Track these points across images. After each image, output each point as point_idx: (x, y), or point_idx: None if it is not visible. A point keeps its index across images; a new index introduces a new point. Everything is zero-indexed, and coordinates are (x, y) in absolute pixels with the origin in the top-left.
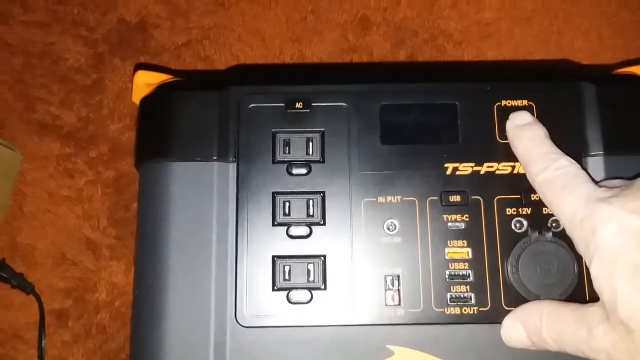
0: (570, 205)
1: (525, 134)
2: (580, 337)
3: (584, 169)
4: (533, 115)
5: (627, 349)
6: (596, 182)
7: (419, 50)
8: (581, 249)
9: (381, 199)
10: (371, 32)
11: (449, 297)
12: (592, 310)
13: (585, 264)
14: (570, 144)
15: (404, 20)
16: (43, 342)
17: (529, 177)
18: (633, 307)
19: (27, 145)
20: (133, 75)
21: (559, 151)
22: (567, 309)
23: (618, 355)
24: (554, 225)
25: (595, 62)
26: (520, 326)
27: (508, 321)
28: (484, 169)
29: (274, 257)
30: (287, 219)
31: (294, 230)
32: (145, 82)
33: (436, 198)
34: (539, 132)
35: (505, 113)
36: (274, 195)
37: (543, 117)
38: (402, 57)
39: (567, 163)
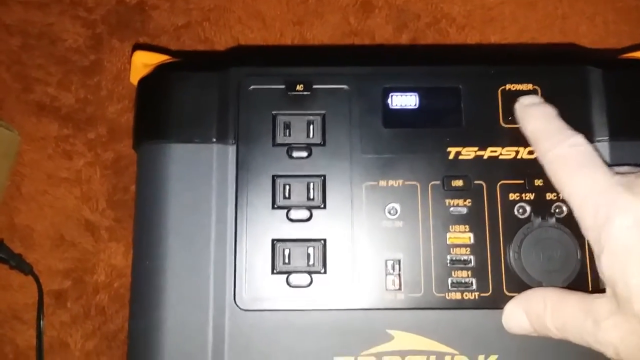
0: (584, 187)
1: (536, 111)
2: (586, 328)
3: None
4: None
5: (638, 342)
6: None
7: (421, 34)
8: (590, 235)
9: (382, 183)
10: (373, 14)
11: (449, 281)
12: (600, 302)
13: (589, 250)
14: (576, 128)
15: (406, 3)
16: (41, 322)
17: (538, 155)
18: None
19: (24, 125)
20: (131, 55)
21: (572, 129)
22: (572, 298)
23: (626, 348)
24: (557, 210)
25: (600, 47)
26: (523, 313)
27: (510, 307)
28: (487, 153)
29: (273, 240)
30: (287, 202)
31: (294, 214)
32: (143, 63)
33: (438, 182)
34: (551, 110)
35: (510, 97)
36: (274, 178)
37: (548, 102)
38: (404, 41)
39: (583, 141)
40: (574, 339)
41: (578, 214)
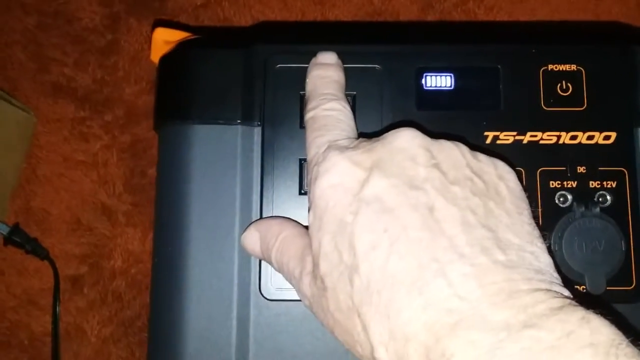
0: (315, 147)
1: (319, 72)
2: (295, 276)
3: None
4: (582, 81)
5: (321, 305)
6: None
7: (447, 15)
8: (308, 194)
9: None
10: None
11: None
12: (311, 255)
13: (634, 242)
14: (620, 112)
15: None
16: (57, 308)
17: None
18: (330, 264)
19: (40, 107)
20: (151, 32)
21: (342, 96)
22: (298, 242)
23: (315, 308)
24: (600, 199)
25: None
26: (258, 238)
27: (251, 228)
28: (527, 138)
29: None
30: None
31: None
32: (165, 40)
33: None
34: (333, 75)
35: (552, 78)
36: (301, 162)
37: (592, 84)
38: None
39: (338, 106)
40: (287, 280)
41: (307, 169)
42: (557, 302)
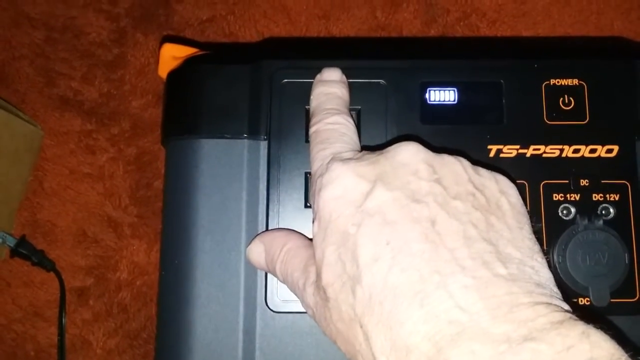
0: (319, 159)
1: (323, 88)
2: (299, 286)
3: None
4: (584, 95)
5: (324, 315)
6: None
7: (450, 29)
8: (312, 202)
9: None
10: (401, 9)
11: None
12: (314, 265)
13: (637, 254)
14: (622, 126)
15: None
16: (63, 320)
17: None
18: (334, 274)
19: (47, 120)
20: (159, 48)
21: (346, 111)
22: (303, 254)
23: (318, 318)
24: (603, 212)
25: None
26: (263, 250)
27: (256, 240)
28: (530, 151)
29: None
30: None
31: None
32: (172, 55)
33: None
34: (337, 91)
35: (554, 92)
36: (307, 175)
37: (594, 98)
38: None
39: (342, 120)
40: (291, 291)
41: (310, 183)
42: (558, 316)
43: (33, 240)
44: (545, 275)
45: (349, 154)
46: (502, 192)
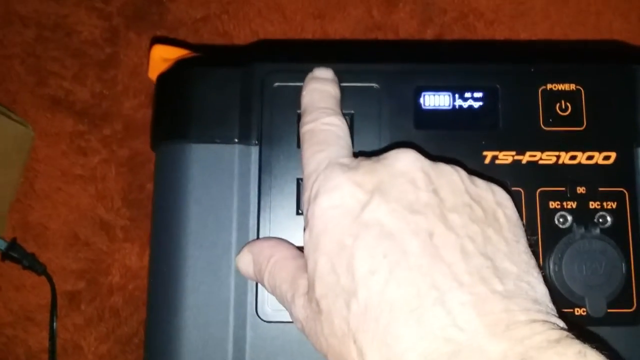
0: (314, 162)
1: (317, 85)
2: (287, 299)
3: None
4: (581, 101)
5: (314, 328)
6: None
7: (447, 29)
8: (304, 209)
9: None
10: (397, 8)
11: None
12: (304, 278)
13: (635, 263)
14: (621, 132)
15: None
16: (54, 324)
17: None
18: (327, 286)
19: (38, 121)
20: (149, 49)
21: (340, 112)
22: (291, 265)
23: (308, 331)
24: (600, 220)
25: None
26: (251, 261)
27: (244, 250)
28: (526, 157)
29: (297, 247)
30: None
31: None
32: (163, 57)
33: None
34: (330, 90)
35: (551, 98)
36: (299, 181)
37: (591, 103)
38: (429, 36)
39: (338, 122)
40: (280, 303)
41: (303, 186)
42: (554, 334)
43: (24, 243)
44: (541, 291)
45: (345, 160)
46: (499, 204)
